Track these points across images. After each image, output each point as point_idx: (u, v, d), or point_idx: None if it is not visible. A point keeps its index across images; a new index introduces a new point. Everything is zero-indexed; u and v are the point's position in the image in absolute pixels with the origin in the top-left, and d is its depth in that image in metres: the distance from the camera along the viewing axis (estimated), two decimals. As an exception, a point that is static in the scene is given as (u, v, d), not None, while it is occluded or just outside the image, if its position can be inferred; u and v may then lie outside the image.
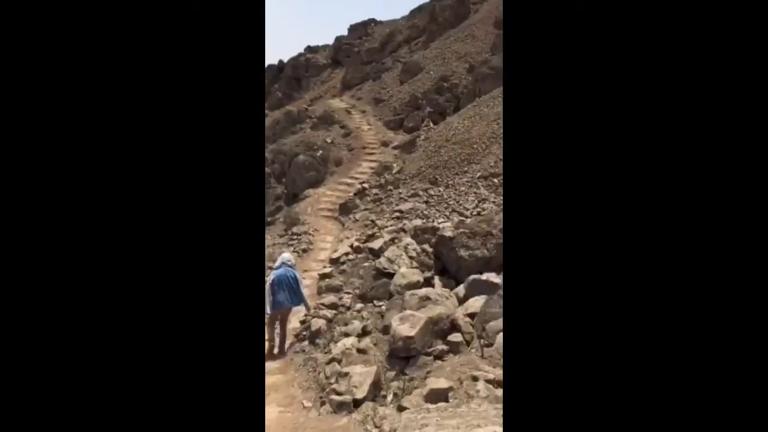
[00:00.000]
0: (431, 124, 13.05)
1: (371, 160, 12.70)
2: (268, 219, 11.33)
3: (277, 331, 4.93)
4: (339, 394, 3.54)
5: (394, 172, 11.34)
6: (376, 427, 3.01)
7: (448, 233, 6.26)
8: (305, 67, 22.20)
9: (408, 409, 2.85)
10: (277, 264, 5.07)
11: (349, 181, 11.97)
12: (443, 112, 13.76)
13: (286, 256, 5.25)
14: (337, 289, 6.82)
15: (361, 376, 3.64)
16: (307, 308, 5.16)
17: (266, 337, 4.82)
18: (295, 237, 9.87)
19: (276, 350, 4.89)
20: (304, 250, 8.87)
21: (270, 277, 4.85)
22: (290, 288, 4.79)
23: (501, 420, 1.95)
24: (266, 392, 4.16)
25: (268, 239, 10.33)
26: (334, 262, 8.10)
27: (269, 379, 4.45)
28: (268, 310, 4.66)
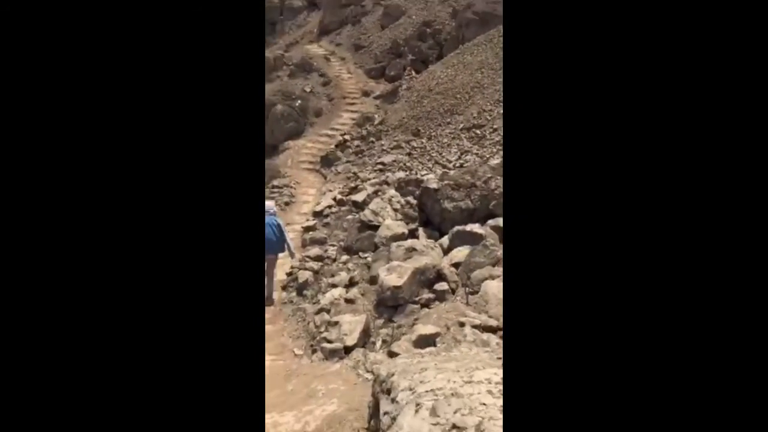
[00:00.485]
0: (413, 73, 12.65)
1: (352, 111, 12.36)
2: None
3: (266, 280, 4.93)
4: (330, 341, 3.66)
5: (375, 123, 11.10)
6: (368, 371, 3.14)
7: (433, 185, 6.28)
8: (279, 9, 20.84)
9: (398, 354, 2.97)
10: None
11: (330, 132, 11.68)
12: (426, 60, 13.31)
13: (268, 204, 5.20)
14: (321, 242, 6.86)
15: (351, 324, 3.75)
16: (292, 255, 5.18)
17: None
18: (276, 190, 9.71)
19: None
20: (287, 203, 8.78)
21: None
22: (274, 236, 4.77)
23: (499, 363, 2.05)
24: (257, 342, 4.26)
25: (249, 192, 10.15)
26: (317, 215, 8.08)
27: (259, 330, 4.53)
28: None
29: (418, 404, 1.64)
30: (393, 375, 1.92)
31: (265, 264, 4.77)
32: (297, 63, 14.18)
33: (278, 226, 4.93)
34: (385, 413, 1.79)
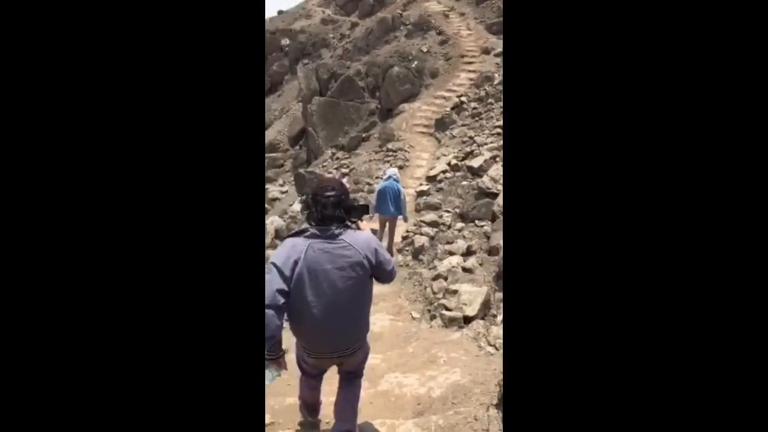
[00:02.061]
0: (541, 26, 11.44)
1: (470, 71, 11.74)
2: (363, 135, 11.35)
3: (386, 236, 5.49)
4: (449, 309, 3.63)
5: (495, 83, 10.40)
6: (490, 345, 3.05)
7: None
8: (397, -35, 20.32)
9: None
10: (385, 177, 5.61)
11: (446, 94, 11.30)
12: (557, 10, 11.91)
13: (393, 171, 5.75)
14: (435, 207, 6.80)
15: (471, 294, 3.66)
16: (405, 220, 5.59)
17: (378, 235, 5.45)
18: (390, 153, 9.83)
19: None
20: (400, 167, 8.83)
21: (377, 186, 5.51)
22: (394, 199, 5.25)
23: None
24: (374, 301, 4.43)
25: (364, 155, 10.45)
26: (431, 179, 8.00)
27: (376, 289, 4.71)
28: (371, 212, 5.27)
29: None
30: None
31: (387, 222, 5.38)
32: (414, 22, 13.81)
33: (398, 191, 5.34)
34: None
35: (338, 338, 1.72)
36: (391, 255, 5.10)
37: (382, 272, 1.72)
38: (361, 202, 2.08)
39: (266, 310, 1.53)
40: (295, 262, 1.60)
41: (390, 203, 5.20)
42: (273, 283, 1.56)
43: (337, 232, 1.65)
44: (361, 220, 1.88)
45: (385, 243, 5.38)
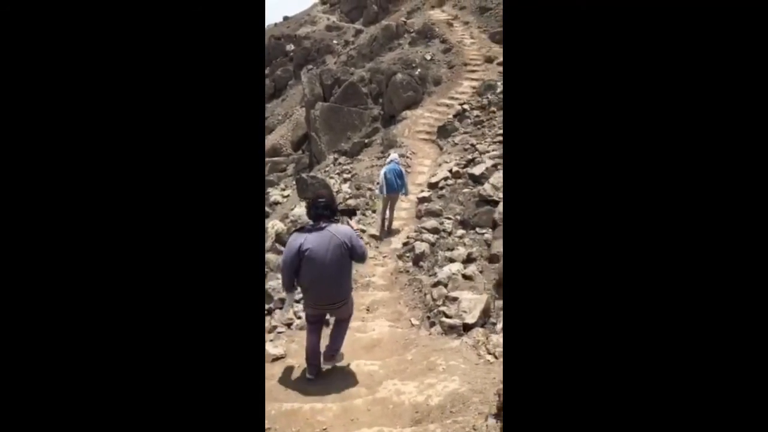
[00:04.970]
0: (545, 36, 11.50)
1: (473, 79, 11.78)
2: (365, 141, 11.37)
3: (388, 214, 6.52)
4: (448, 317, 3.61)
5: (498, 92, 10.43)
6: (489, 353, 3.03)
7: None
8: (402, -26, 20.48)
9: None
10: (388, 161, 6.63)
11: (448, 101, 11.34)
12: (560, 20, 11.98)
13: (395, 155, 6.90)
14: (437, 214, 6.79)
15: (471, 302, 3.64)
16: (406, 193, 6.71)
17: (380, 217, 6.67)
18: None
19: (386, 227, 6.50)
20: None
21: (382, 170, 6.49)
22: (397, 178, 6.31)
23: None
24: (374, 306, 4.41)
25: (366, 161, 10.46)
26: (432, 186, 7.98)
27: (376, 295, 4.70)
28: (380, 192, 6.44)
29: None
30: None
31: (390, 199, 6.40)
32: (418, 29, 13.90)
33: (400, 172, 6.39)
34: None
35: (329, 293, 2.66)
36: (392, 226, 6.54)
37: (354, 253, 2.64)
38: (351, 207, 3.38)
39: (284, 272, 2.64)
40: (300, 245, 2.57)
41: (394, 182, 6.21)
42: (287, 257, 2.60)
43: (323, 225, 2.61)
44: (351, 219, 2.85)
45: (387, 221, 6.53)
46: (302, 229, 2.66)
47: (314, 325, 2.84)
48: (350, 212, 2.97)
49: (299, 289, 2.74)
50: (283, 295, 4.00)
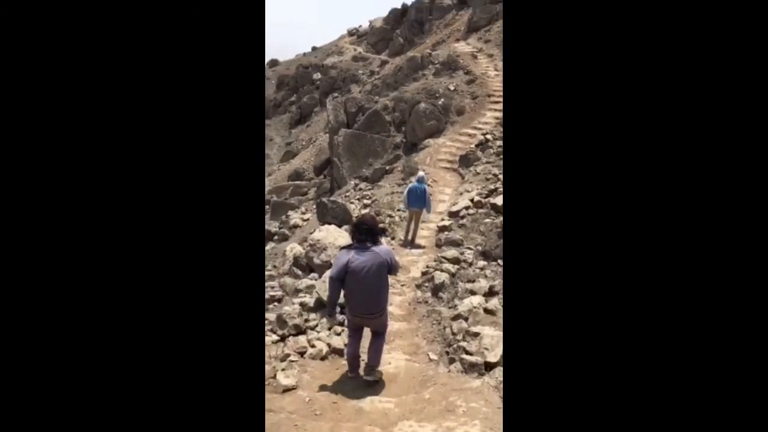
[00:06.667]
0: (570, 69, 11.51)
1: (496, 110, 11.79)
2: (387, 167, 11.40)
3: (413, 227, 7.06)
4: (469, 353, 3.41)
5: (522, 123, 10.40)
6: (513, 396, 2.82)
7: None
8: (429, 9, 21.11)
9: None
10: (414, 179, 7.12)
11: (471, 131, 11.33)
12: (586, 54, 12.00)
13: (421, 173, 7.27)
14: (457, 243, 6.63)
15: (494, 339, 3.44)
16: (429, 211, 7.02)
17: (405, 229, 7.21)
18: (413, 187, 9.79)
19: (409, 238, 7.01)
20: (423, 201, 8.73)
21: (407, 187, 7.06)
22: (420, 196, 6.76)
23: None
24: (390, 338, 4.24)
25: (386, 187, 10.44)
26: (453, 215, 7.86)
27: (393, 326, 4.53)
28: (404, 207, 7.24)
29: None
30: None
31: (413, 215, 6.98)
32: (442, 61, 14.12)
33: (424, 190, 6.78)
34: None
35: (370, 305, 3.07)
36: (415, 241, 6.99)
37: (393, 268, 3.11)
38: (382, 227, 4.20)
39: (332, 285, 3.03)
40: (347, 262, 2.97)
41: (417, 200, 6.71)
42: (335, 270, 2.99)
43: (368, 245, 3.05)
44: (385, 237, 3.73)
45: (410, 234, 7.06)
46: (349, 247, 3.09)
47: (356, 332, 3.25)
48: (382, 231, 3.62)
49: (340, 318, 3.17)
50: (298, 321, 3.99)
